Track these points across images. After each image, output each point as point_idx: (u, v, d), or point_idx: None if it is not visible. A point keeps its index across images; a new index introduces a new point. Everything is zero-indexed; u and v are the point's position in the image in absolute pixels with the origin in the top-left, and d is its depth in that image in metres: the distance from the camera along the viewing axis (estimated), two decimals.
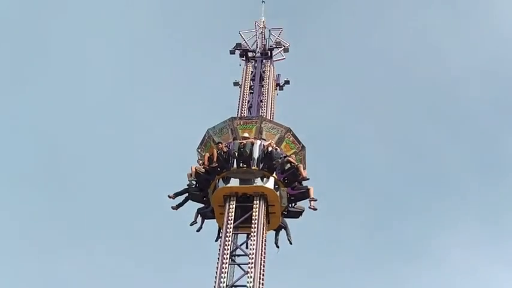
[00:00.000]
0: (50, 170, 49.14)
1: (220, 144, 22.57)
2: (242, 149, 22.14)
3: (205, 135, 23.42)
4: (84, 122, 50.96)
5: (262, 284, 20.04)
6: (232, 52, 28.30)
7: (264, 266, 20.55)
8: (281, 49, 28.46)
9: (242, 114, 24.99)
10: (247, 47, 28.29)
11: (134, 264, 42.73)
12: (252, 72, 27.27)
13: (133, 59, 52.53)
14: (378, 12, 54.70)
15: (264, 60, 27.81)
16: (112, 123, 50.95)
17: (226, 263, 20.20)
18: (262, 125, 23.28)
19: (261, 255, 20.65)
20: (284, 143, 23.19)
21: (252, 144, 22.35)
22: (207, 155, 22.47)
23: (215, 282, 19.85)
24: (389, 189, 49.73)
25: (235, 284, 20.09)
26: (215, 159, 22.14)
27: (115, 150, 49.06)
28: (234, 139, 22.82)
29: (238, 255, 20.90)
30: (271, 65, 27.68)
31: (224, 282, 19.74)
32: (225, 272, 19.99)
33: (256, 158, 22.11)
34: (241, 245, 21.15)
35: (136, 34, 53.16)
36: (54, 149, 49.78)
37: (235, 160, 22.08)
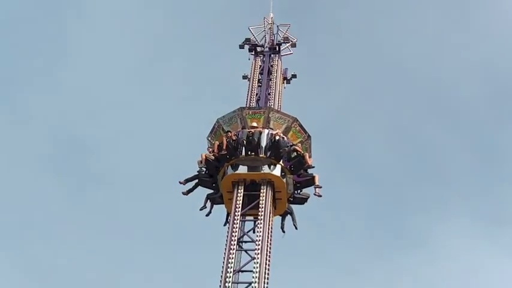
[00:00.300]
0: (67, 161, 50.14)
1: (229, 133, 23.35)
2: (250, 138, 22.90)
3: (215, 125, 24.17)
4: (99, 113, 51.91)
5: (269, 270, 20.70)
6: (241, 47, 28.94)
7: (270, 253, 21.24)
8: (289, 44, 29.03)
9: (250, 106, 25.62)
10: (256, 42, 28.91)
11: (144, 249, 43.61)
12: (260, 66, 27.91)
13: (147, 53, 53.34)
14: (382, 10, 55.45)
15: (272, 55, 28.45)
16: (127, 114, 51.89)
17: (233, 249, 20.93)
18: (270, 115, 24.00)
19: (268, 241, 21.36)
20: (291, 132, 23.93)
21: (260, 133, 23.12)
22: (217, 143, 23.28)
23: (223, 267, 20.54)
24: (389, 180, 50.55)
25: (242, 270, 20.76)
26: (224, 147, 22.87)
27: (129, 140, 50.04)
28: (243, 128, 23.57)
29: (246, 242, 21.58)
30: (279, 60, 28.29)
31: (231, 268, 20.43)
32: (233, 258, 20.71)
33: (263, 147, 22.85)
34: (248, 231, 21.82)
35: (151, 29, 53.97)
36: (72, 138, 50.74)
37: (243, 148, 22.85)
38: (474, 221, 50.17)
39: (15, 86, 52.95)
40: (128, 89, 52.78)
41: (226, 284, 19.98)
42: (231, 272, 20.31)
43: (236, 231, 21.38)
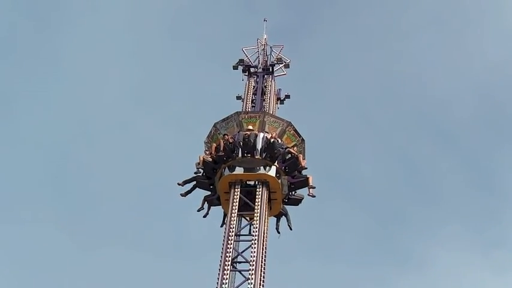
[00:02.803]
0: (62, 181, 50.15)
1: (226, 136, 23.95)
2: (247, 139, 23.54)
3: (212, 129, 24.76)
4: (95, 133, 51.99)
5: None
6: (235, 68, 29.20)
7: (264, 273, 21.36)
8: (282, 65, 29.34)
9: None
10: (250, 63, 29.21)
11: (139, 270, 43.58)
12: (254, 86, 28.15)
13: (142, 73, 53.54)
14: (376, 32, 55.77)
15: (265, 76, 28.74)
16: (122, 134, 52.07)
17: (227, 269, 20.98)
18: (265, 119, 24.70)
19: (261, 262, 21.46)
20: (285, 136, 24.60)
21: (256, 135, 23.76)
22: (215, 145, 23.84)
23: None
24: (385, 201, 50.67)
25: None
26: (222, 149, 23.45)
27: (124, 160, 50.15)
28: (239, 132, 24.17)
29: (240, 262, 21.65)
30: (273, 80, 28.57)
31: None
32: (227, 279, 20.77)
33: (259, 149, 23.44)
34: (242, 252, 21.89)
35: (146, 50, 54.25)
36: (67, 159, 50.76)
37: (240, 150, 23.43)
38: (471, 242, 50.39)
39: (8, 107, 52.99)
40: (122, 109, 53.01)
41: None
42: None
43: (230, 252, 21.43)
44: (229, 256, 21.25)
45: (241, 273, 21.23)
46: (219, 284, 20.59)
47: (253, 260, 21.06)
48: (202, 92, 48.00)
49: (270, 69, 28.91)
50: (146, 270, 43.36)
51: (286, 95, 28.87)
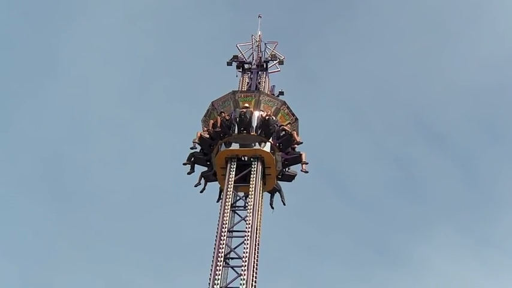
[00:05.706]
0: (57, 182, 50.11)
1: (223, 113, 24.70)
2: (243, 116, 24.27)
3: (209, 108, 25.42)
4: (89, 134, 51.91)
5: (255, 287, 20.91)
6: (229, 64, 29.25)
7: (256, 269, 21.46)
8: (276, 62, 29.38)
9: None
10: (244, 59, 29.26)
11: (132, 267, 43.67)
12: (248, 83, 28.21)
13: (137, 72, 53.51)
14: (370, 34, 55.87)
15: (259, 72, 28.80)
16: (116, 134, 52.03)
17: (220, 265, 21.09)
18: (260, 98, 25.46)
19: (254, 258, 21.54)
20: (280, 115, 25.27)
21: (251, 113, 24.51)
22: (212, 121, 24.58)
23: (209, 284, 20.70)
24: (376, 200, 50.79)
25: (228, 286, 20.92)
26: (219, 125, 24.18)
27: (119, 160, 50.18)
28: (236, 109, 24.85)
29: (232, 258, 21.74)
30: (267, 77, 28.66)
31: (218, 285, 20.65)
32: (219, 275, 20.89)
33: (254, 126, 24.18)
34: (235, 248, 21.96)
35: (141, 48, 54.29)
36: (61, 159, 50.66)
37: (236, 126, 24.16)
38: (461, 241, 50.51)
39: (5, 106, 52.93)
40: (117, 109, 53.00)
41: None
42: None
43: (223, 248, 21.46)
44: (222, 252, 21.31)
45: (233, 269, 21.30)
46: (212, 280, 20.69)
47: (246, 256, 21.12)
48: (196, 88, 48.01)
49: (264, 66, 28.88)
50: (139, 268, 43.47)
51: (280, 92, 28.77)
